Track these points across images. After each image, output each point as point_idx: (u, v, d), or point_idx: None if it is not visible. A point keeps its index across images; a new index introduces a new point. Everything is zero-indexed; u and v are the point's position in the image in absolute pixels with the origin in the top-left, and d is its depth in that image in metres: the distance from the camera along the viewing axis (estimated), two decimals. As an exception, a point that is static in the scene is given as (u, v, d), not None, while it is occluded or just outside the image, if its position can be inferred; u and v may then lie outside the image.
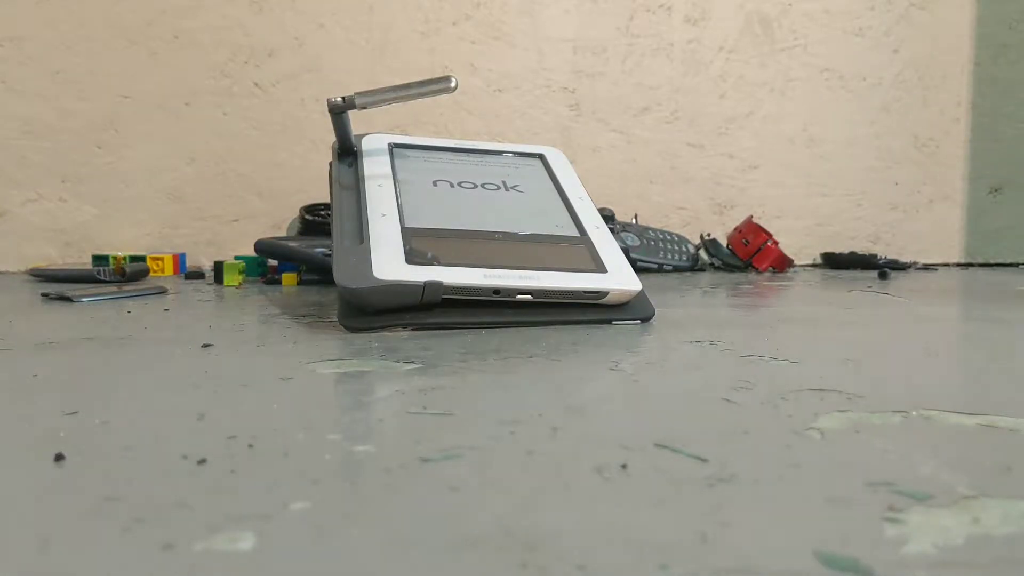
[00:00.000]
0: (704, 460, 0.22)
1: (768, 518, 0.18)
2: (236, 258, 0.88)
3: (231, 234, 1.03)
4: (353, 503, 0.19)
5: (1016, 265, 1.23)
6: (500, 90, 1.14)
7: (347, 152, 0.64)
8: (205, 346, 0.41)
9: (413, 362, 0.37)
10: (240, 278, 0.77)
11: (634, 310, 0.54)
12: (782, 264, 1.04)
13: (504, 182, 0.65)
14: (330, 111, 0.59)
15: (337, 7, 1.08)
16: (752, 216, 1.10)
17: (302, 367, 0.35)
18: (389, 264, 0.49)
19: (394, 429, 0.26)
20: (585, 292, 0.52)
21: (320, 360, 0.37)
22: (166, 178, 1.02)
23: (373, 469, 0.22)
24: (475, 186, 0.63)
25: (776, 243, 1.05)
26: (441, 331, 0.47)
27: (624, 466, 0.22)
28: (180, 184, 1.02)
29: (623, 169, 1.19)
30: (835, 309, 0.59)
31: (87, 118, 1.01)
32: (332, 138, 1.08)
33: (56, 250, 0.99)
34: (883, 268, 0.99)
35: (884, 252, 1.23)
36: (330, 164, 0.64)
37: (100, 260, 0.89)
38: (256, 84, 1.06)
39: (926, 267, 1.15)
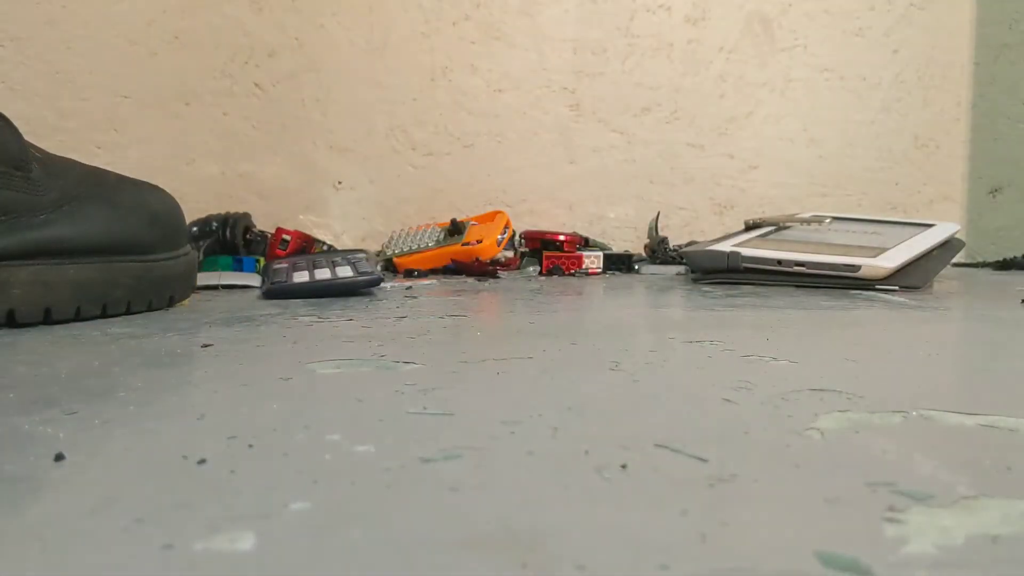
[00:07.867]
0: (704, 460, 0.22)
1: (768, 518, 0.18)
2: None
3: (231, 234, 1.03)
4: (353, 503, 0.19)
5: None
6: (500, 90, 1.14)
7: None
8: (205, 346, 0.41)
9: (413, 362, 0.37)
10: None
11: (897, 282, 0.72)
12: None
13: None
14: (748, 228, 0.92)
15: (337, 7, 1.08)
16: (752, 216, 1.10)
17: (302, 367, 0.35)
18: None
19: (394, 429, 0.26)
20: (843, 265, 0.72)
21: (320, 360, 0.37)
22: (166, 178, 1.02)
23: (373, 469, 0.22)
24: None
25: (776, 243, 1.05)
26: (452, 332, 0.47)
27: (624, 466, 0.22)
28: (180, 184, 1.02)
29: (623, 169, 1.19)
30: (835, 309, 0.59)
31: (87, 118, 1.01)
32: (332, 137, 1.08)
33: (56, 250, 0.99)
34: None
35: (884, 252, 1.22)
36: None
37: (100, 260, 0.89)
38: (256, 84, 1.06)
39: (926, 267, 1.14)
